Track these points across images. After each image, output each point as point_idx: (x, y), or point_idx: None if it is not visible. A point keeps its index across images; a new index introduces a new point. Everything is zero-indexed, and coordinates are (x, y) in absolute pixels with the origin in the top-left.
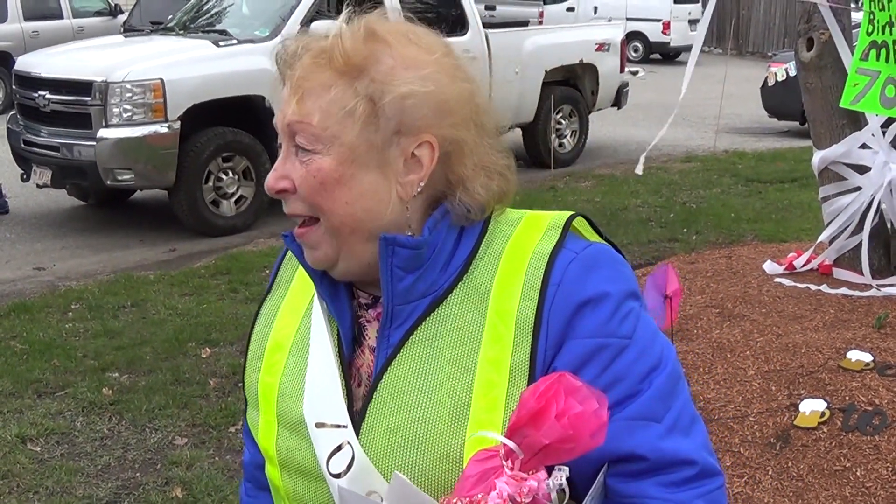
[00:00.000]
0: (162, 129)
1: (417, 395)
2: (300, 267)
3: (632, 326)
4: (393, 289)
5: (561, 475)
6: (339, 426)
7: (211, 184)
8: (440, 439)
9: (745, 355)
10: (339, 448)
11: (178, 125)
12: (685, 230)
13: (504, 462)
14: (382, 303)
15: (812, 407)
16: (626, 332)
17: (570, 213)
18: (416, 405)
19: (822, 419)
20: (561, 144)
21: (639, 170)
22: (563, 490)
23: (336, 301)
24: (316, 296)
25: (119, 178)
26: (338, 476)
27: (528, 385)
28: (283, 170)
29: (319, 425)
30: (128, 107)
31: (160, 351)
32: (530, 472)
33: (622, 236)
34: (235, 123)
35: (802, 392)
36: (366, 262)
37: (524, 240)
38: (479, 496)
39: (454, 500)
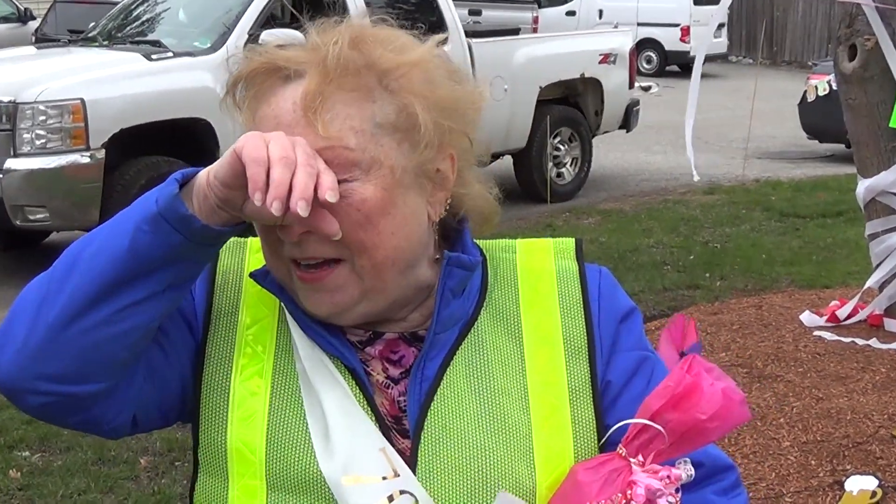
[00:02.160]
0: (83, 158)
1: (472, 429)
2: (243, 292)
3: (648, 342)
4: (440, 315)
5: (687, 464)
6: (387, 476)
7: None
8: (508, 473)
9: (779, 423)
10: (390, 500)
11: (102, 154)
12: (707, 275)
13: (632, 460)
14: (427, 331)
15: (860, 485)
16: (650, 346)
17: (569, 238)
18: (474, 440)
19: (874, 499)
20: (559, 174)
21: (696, 175)
22: (691, 476)
23: (331, 337)
24: (296, 331)
25: (31, 217)
26: None
27: (593, 405)
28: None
29: (353, 480)
30: (41, 132)
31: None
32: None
33: (632, 283)
34: (172, 152)
35: (848, 467)
36: (392, 300)
37: (535, 264)
38: (618, 497)
39: None
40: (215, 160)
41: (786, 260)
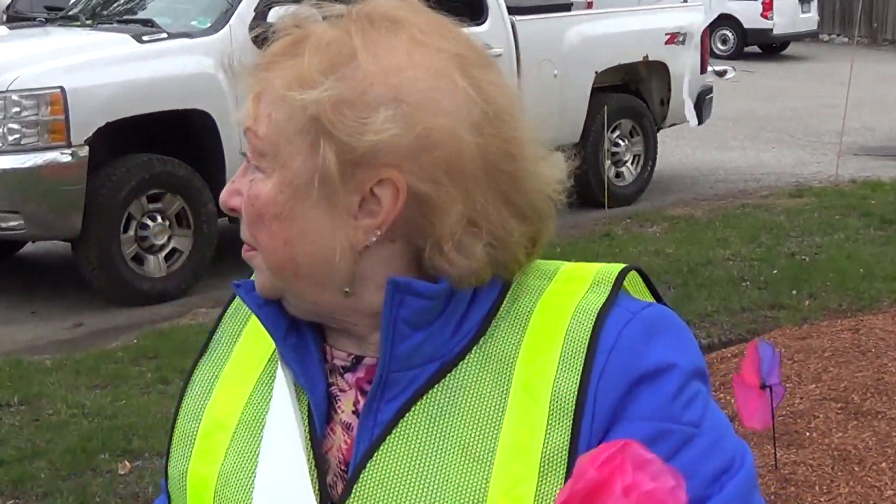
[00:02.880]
0: (63, 157)
1: (414, 492)
2: (249, 322)
3: (699, 413)
4: (392, 350)
5: None
6: None
7: (132, 233)
8: None
9: (881, 468)
10: None
11: (85, 152)
12: (794, 293)
13: None
14: (377, 368)
15: None
16: (692, 419)
17: (622, 265)
18: None
19: None
20: (619, 174)
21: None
22: None
23: (304, 362)
24: (278, 359)
25: (2, 224)
26: None
27: (566, 480)
28: (238, 183)
29: None
30: (14, 126)
31: (60, 466)
32: None
33: (704, 302)
34: (167, 150)
35: None
36: (325, 308)
37: (561, 296)
38: None
39: None
40: (216, 158)
41: (888, 275)
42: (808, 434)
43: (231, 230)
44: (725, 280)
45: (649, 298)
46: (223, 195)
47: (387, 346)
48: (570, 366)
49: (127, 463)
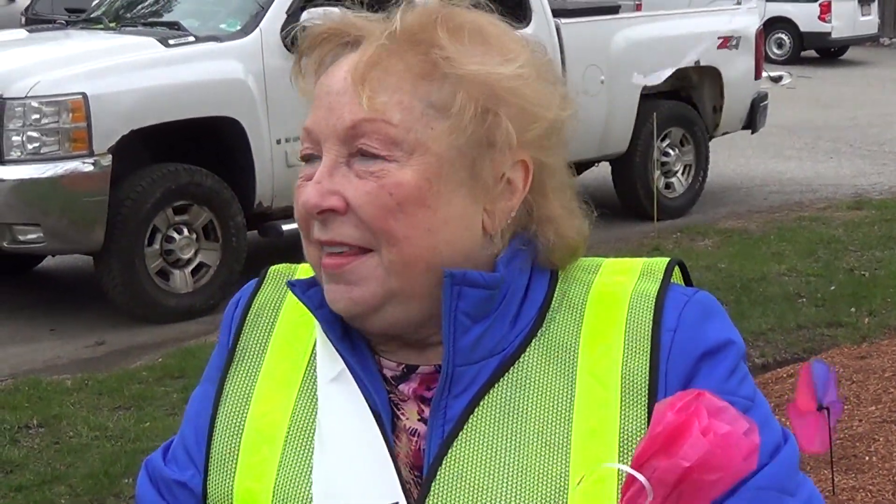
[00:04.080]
0: (85, 166)
1: (495, 483)
2: (275, 331)
3: (752, 389)
4: (455, 344)
5: None
6: None
7: (157, 246)
8: None
9: None
10: None
11: (108, 161)
12: (853, 310)
13: None
14: (442, 364)
15: None
16: (748, 393)
17: (666, 258)
18: (495, 495)
19: None
20: (669, 185)
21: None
22: None
23: (365, 370)
24: (320, 363)
25: (21, 238)
26: None
27: None
28: (330, 183)
29: None
30: (34, 134)
31: (81, 491)
32: None
33: (759, 319)
34: (193, 159)
35: None
36: (426, 313)
37: (612, 285)
38: None
39: None
40: (246, 167)
41: None
42: (867, 458)
43: (260, 244)
44: (780, 297)
45: None
46: (314, 197)
47: (449, 340)
48: (637, 348)
49: None
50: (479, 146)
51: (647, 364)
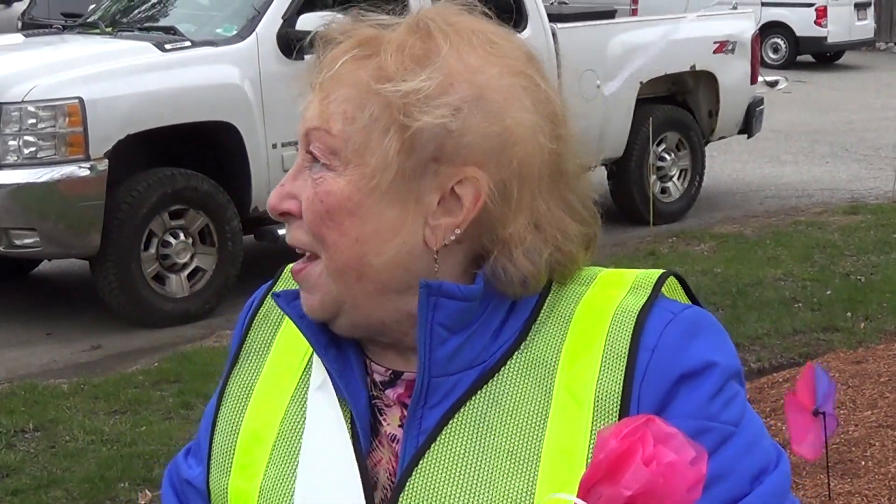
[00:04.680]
0: (81, 171)
1: (460, 497)
2: (280, 332)
3: (738, 412)
4: (432, 355)
5: None
6: None
7: (153, 251)
8: None
9: None
10: None
11: (104, 165)
12: (849, 314)
13: None
14: (416, 374)
15: None
16: (732, 418)
17: (661, 270)
18: None
19: None
20: (664, 190)
21: None
22: None
23: (346, 375)
24: (314, 368)
25: (17, 242)
26: None
27: None
28: (291, 186)
29: None
30: (30, 138)
31: (77, 496)
32: None
33: (755, 324)
34: (189, 163)
35: None
36: (377, 319)
37: (601, 299)
38: None
39: None
40: (242, 172)
41: None
42: (863, 463)
43: (256, 248)
44: (776, 301)
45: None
46: (273, 199)
47: (425, 351)
48: (613, 366)
49: (147, 492)
50: (421, 160)
51: (622, 383)
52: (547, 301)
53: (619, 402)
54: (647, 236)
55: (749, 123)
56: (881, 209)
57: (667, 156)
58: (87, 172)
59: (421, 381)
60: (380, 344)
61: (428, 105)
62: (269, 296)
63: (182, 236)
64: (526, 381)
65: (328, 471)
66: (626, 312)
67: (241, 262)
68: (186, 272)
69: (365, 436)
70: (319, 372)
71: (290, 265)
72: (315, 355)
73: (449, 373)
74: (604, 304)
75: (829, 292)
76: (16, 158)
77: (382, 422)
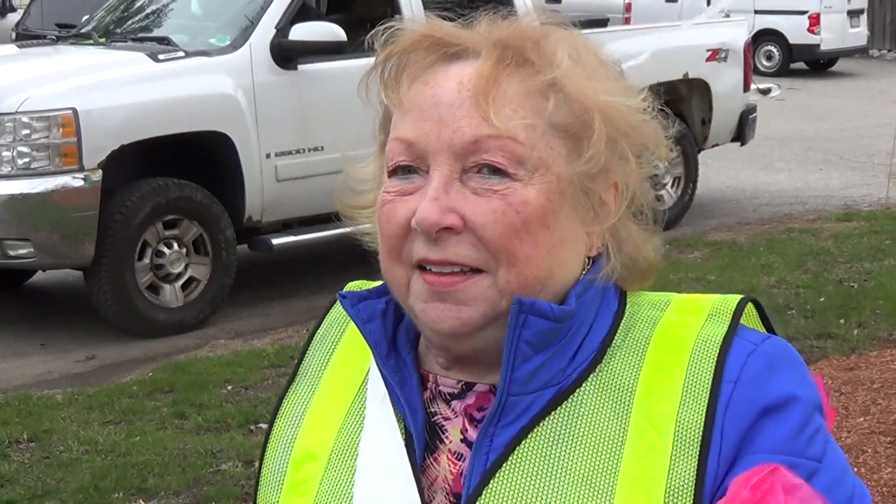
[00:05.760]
0: (75, 181)
1: None
2: (337, 349)
3: (821, 447)
4: (514, 372)
5: None
6: None
7: (147, 261)
8: None
9: None
10: None
11: (98, 176)
12: (842, 321)
13: None
14: (495, 390)
15: None
16: (816, 453)
17: (739, 296)
18: None
19: None
20: (658, 197)
21: None
22: None
23: (405, 387)
24: (370, 385)
25: (11, 253)
26: None
27: None
28: (447, 200)
29: None
30: (24, 149)
31: None
32: None
33: None
34: (182, 173)
35: None
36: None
37: (678, 326)
38: None
39: None
40: (235, 182)
41: None
42: (856, 469)
43: (250, 258)
44: (770, 308)
45: (762, 330)
46: (434, 214)
47: (508, 368)
48: (695, 397)
49: (142, 502)
50: (586, 167)
51: (704, 416)
52: (622, 325)
53: (700, 435)
54: None
55: (742, 131)
56: (874, 216)
57: (660, 163)
58: (81, 183)
59: (500, 399)
60: (463, 360)
61: (588, 105)
62: (328, 315)
63: (176, 246)
64: (602, 404)
65: (385, 488)
66: (707, 342)
67: (235, 272)
68: (180, 282)
69: (420, 450)
70: (378, 387)
71: (351, 283)
72: (370, 373)
73: (527, 391)
74: (683, 332)
75: (822, 299)
76: (10, 169)
77: (444, 439)
